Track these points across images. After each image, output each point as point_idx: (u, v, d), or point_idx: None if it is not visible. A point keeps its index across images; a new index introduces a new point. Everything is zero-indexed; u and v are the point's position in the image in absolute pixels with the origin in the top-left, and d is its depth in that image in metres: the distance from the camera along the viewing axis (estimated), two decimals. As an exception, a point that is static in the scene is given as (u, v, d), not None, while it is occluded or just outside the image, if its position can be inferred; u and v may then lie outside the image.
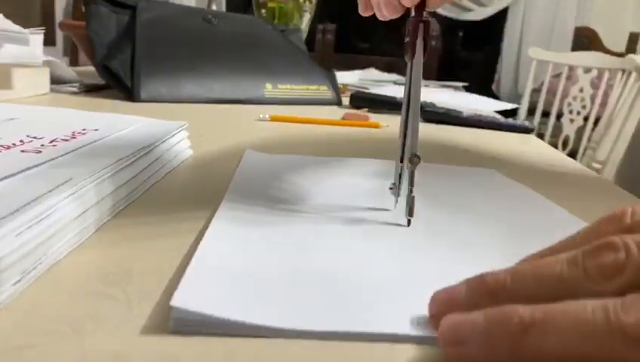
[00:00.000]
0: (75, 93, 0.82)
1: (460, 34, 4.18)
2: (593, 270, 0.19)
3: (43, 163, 0.29)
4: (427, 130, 0.74)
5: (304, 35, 1.19)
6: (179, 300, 0.20)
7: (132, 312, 0.21)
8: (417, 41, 0.32)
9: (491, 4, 3.57)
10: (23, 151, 0.32)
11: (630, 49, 2.94)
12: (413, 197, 0.32)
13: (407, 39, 0.32)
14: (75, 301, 0.22)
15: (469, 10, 3.56)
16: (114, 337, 0.19)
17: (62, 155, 0.31)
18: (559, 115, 2.11)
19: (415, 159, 0.32)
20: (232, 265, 0.25)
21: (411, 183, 0.32)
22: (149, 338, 0.19)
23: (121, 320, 0.20)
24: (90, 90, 0.84)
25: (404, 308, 0.22)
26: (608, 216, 0.22)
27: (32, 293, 0.22)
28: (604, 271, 0.19)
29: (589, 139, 1.92)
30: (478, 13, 3.56)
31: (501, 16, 3.62)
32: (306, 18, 1.19)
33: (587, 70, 2.06)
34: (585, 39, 3.39)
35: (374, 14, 0.36)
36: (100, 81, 0.86)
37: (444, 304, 0.21)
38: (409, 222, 0.32)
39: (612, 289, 0.18)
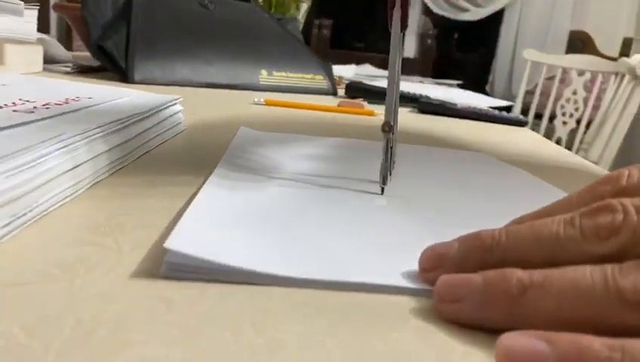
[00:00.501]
0: (68, 73, 0.81)
1: (455, 36, 4.19)
2: (589, 230, 0.19)
3: (34, 121, 0.29)
4: (421, 121, 0.74)
5: (300, 26, 1.18)
6: (173, 243, 0.19)
7: (123, 259, 0.20)
8: (394, 10, 0.33)
9: (487, 5, 3.58)
10: (15, 111, 0.31)
11: (624, 54, 2.96)
12: (387, 165, 0.32)
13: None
14: (66, 247, 0.21)
15: (465, 10, 3.56)
16: (104, 280, 0.19)
17: (54, 116, 0.31)
18: (552, 117, 2.12)
19: (386, 127, 0.32)
20: (227, 217, 0.25)
21: (385, 152, 0.32)
22: (139, 281, 0.19)
23: (112, 266, 0.20)
24: (83, 71, 0.84)
25: (398, 262, 0.22)
26: (604, 177, 0.22)
27: (22, 238, 0.21)
28: (600, 232, 0.19)
29: (581, 142, 1.93)
30: (474, 14, 3.57)
31: (497, 18, 3.63)
32: (303, 9, 1.19)
33: (581, 73, 2.07)
34: (579, 42, 3.40)
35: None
36: (94, 63, 0.85)
37: (435, 258, 0.21)
38: (382, 190, 0.32)
39: (607, 251, 0.18)
